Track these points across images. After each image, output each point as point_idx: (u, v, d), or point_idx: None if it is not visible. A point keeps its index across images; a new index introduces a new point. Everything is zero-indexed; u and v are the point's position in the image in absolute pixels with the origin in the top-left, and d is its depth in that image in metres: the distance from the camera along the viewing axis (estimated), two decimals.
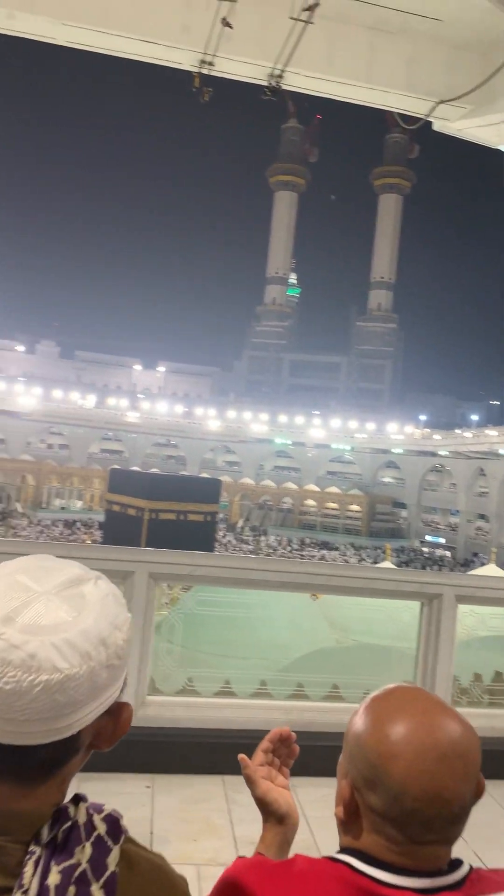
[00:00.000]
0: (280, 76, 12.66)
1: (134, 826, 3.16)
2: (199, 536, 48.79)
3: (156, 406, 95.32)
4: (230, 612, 5.20)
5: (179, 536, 48.12)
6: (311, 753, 4.48)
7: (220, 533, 65.39)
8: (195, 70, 12.59)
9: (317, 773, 4.44)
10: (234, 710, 4.48)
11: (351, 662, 9.75)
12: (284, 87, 13.12)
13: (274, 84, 12.79)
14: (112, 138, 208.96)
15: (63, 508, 72.86)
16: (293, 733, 1.45)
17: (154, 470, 78.73)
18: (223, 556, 4.52)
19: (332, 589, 4.68)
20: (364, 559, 59.08)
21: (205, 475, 78.93)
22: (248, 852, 1.42)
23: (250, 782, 1.44)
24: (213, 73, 12.77)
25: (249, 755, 1.54)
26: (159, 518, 48.41)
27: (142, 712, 4.34)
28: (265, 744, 1.52)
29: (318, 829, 3.70)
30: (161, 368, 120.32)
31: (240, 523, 76.77)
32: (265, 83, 12.85)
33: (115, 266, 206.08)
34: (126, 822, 1.01)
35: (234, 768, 4.22)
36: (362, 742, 1.10)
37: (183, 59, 12.54)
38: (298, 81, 13.15)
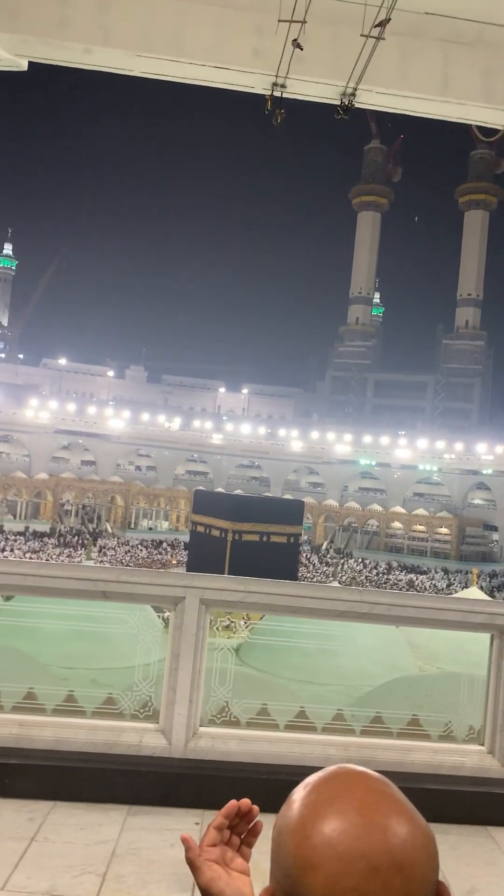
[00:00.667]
0: (353, 94, 12.52)
1: (178, 867, 3.01)
2: (282, 558, 48.65)
3: (240, 428, 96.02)
4: (310, 638, 5.01)
5: (262, 558, 48.19)
6: None
7: (304, 555, 64.89)
8: (267, 93, 12.62)
9: None
10: (289, 745, 4.27)
11: (433, 692, 9.32)
12: (358, 105, 12.97)
13: (347, 103, 12.66)
14: (197, 163, 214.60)
15: (150, 529, 74.22)
16: (255, 807, 1.24)
17: (238, 491, 79.21)
18: (275, 583, 4.34)
19: (392, 619, 4.42)
20: (453, 583, 57.19)
21: (288, 496, 78.75)
22: None
23: (193, 868, 1.20)
24: (287, 95, 12.78)
25: None
26: (243, 539, 48.54)
27: (193, 744, 4.19)
28: (219, 819, 1.26)
29: None
30: (245, 390, 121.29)
31: (324, 545, 75.96)
32: (338, 102, 12.74)
33: (199, 291, 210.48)
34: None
35: None
36: (282, 842, 0.87)
37: (255, 82, 12.61)
38: (372, 99, 12.96)
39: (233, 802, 1.25)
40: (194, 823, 3.83)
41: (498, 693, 4.18)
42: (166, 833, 3.70)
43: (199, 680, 4.26)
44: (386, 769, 4.28)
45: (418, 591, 51.53)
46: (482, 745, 4.40)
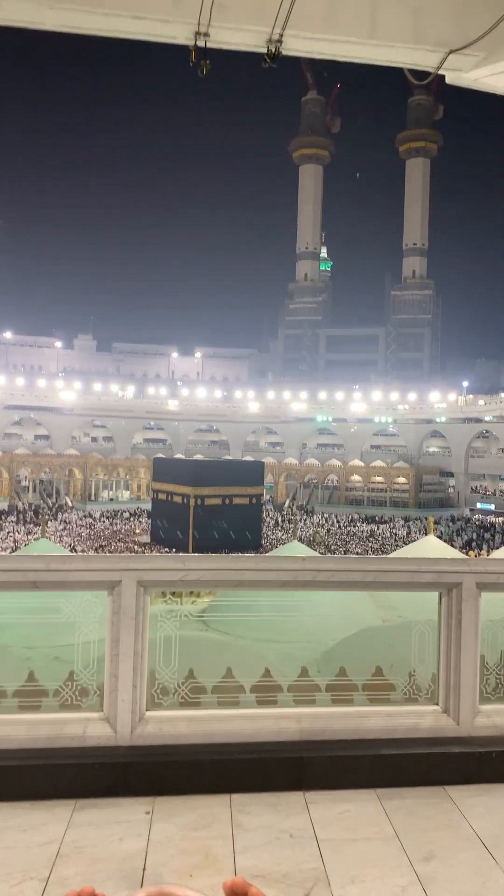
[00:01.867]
0: (280, 41, 12.07)
1: (127, 861, 2.84)
2: (245, 519, 48.95)
3: (195, 392, 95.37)
4: (273, 598, 4.91)
5: (226, 520, 48.42)
6: (327, 765, 4.16)
7: (267, 514, 65.29)
8: (190, 43, 12.09)
9: (333, 786, 4.11)
10: (242, 722, 4.15)
11: (396, 643, 9.38)
12: (285, 52, 12.52)
13: (274, 51, 12.21)
14: (133, 123, 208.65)
15: (111, 500, 73.73)
16: (252, 886, 1.03)
17: (198, 456, 79.03)
18: (215, 558, 4.18)
19: (337, 585, 4.31)
20: (412, 531, 58.25)
21: (248, 458, 78.91)
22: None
23: None
24: (211, 45, 12.26)
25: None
26: (205, 504, 48.62)
27: (140, 730, 4.04)
28: None
29: (331, 856, 3.36)
30: (198, 354, 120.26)
31: (286, 503, 76.54)
32: (265, 50, 12.29)
33: (143, 256, 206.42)
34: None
35: (243, 785, 3.89)
36: None
37: (176, 32, 12.04)
38: (299, 45, 12.52)
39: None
40: (144, 813, 3.70)
41: (449, 651, 4.11)
42: (114, 826, 3.56)
43: (142, 664, 4.10)
44: (343, 738, 4.19)
45: (380, 542, 52.36)
46: (437, 704, 4.35)
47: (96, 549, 44.66)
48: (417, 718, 4.26)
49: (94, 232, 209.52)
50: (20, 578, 3.97)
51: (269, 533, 55.93)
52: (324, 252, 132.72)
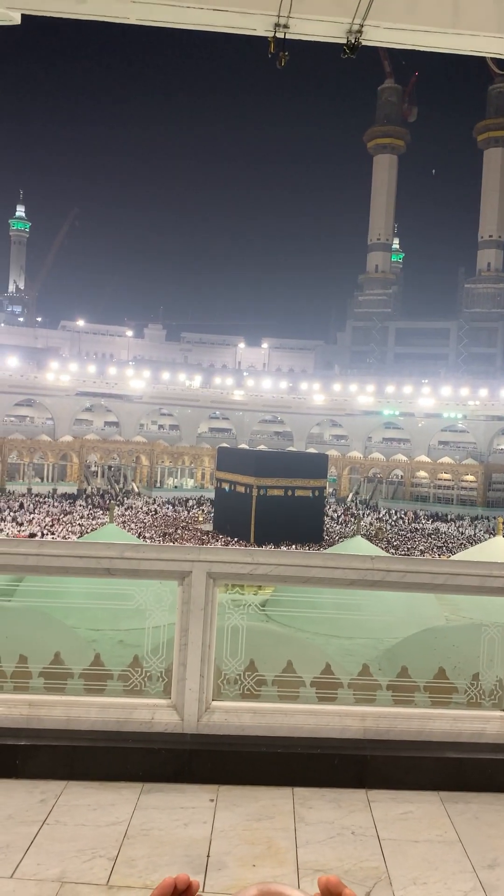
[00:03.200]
0: (360, 31, 11.90)
1: (191, 847, 2.92)
2: (307, 512, 48.93)
3: (261, 383, 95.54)
4: (334, 593, 4.93)
5: (288, 512, 48.50)
6: (390, 765, 4.14)
7: (329, 507, 65.03)
8: (270, 35, 12.04)
9: (395, 786, 4.10)
10: (305, 717, 4.18)
11: (460, 644, 9.24)
12: (365, 42, 12.34)
13: (353, 41, 12.04)
14: (210, 115, 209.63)
15: (176, 487, 74.79)
16: (195, 882, 1.09)
17: (261, 447, 79.28)
18: (284, 554, 4.21)
19: (406, 586, 4.28)
20: (479, 531, 57.02)
21: (312, 450, 78.67)
22: (311, 883, 1.10)
23: None
24: (290, 36, 12.19)
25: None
26: (268, 494, 48.84)
27: (206, 719, 4.12)
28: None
29: (393, 856, 3.35)
30: (264, 345, 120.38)
31: (349, 497, 76.03)
32: (344, 41, 12.14)
33: (216, 247, 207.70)
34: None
35: (305, 779, 3.92)
36: None
37: (257, 24, 12.02)
38: (380, 35, 12.33)
39: (168, 880, 1.11)
40: (209, 800, 3.77)
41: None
42: (179, 812, 3.64)
43: (210, 654, 4.18)
44: (406, 738, 4.17)
45: (444, 540, 51.46)
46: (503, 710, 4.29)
47: (161, 537, 45.41)
48: (483, 724, 4.20)
49: (166, 223, 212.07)
50: (94, 565, 4.10)
51: (330, 526, 55.73)
52: (396, 243, 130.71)
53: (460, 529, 58.08)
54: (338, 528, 56.07)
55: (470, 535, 54.39)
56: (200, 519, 55.86)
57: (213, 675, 4.26)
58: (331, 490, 74.37)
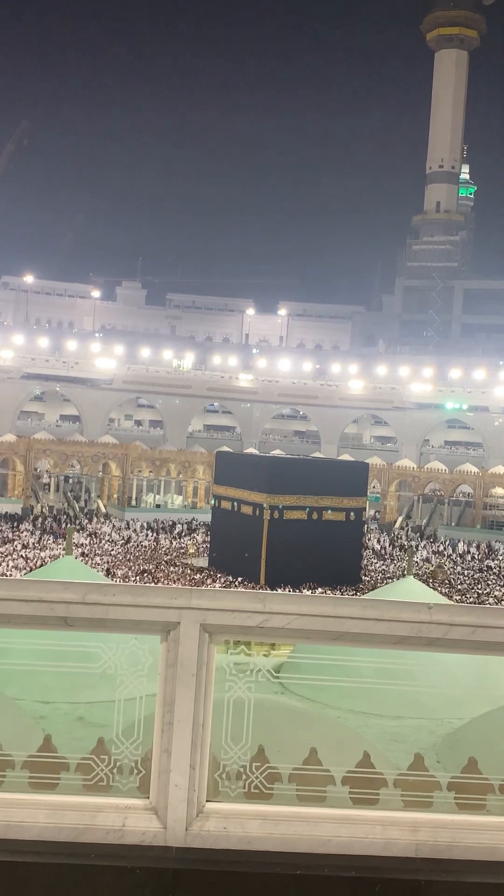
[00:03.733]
0: None
1: None
2: (340, 542, 48.87)
3: (276, 364, 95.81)
4: (375, 655, 4.95)
5: (313, 543, 48.42)
6: (454, 892, 4.13)
7: (371, 536, 65.03)
8: None
9: None
10: (335, 826, 4.18)
11: None
12: None
13: None
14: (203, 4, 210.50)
15: (158, 506, 74.99)
16: None
17: (277, 452, 79.48)
18: (307, 600, 4.22)
19: (475, 647, 4.27)
20: None
21: (346, 457, 78.74)
22: None
23: None
24: None
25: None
26: (285, 518, 48.88)
27: (198, 826, 4.13)
28: None
29: None
30: (282, 312, 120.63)
31: (397, 523, 76.00)
32: None
33: (216, 177, 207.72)
34: None
35: None
36: None
37: None
38: None
39: None
40: None
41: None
42: None
43: (204, 738, 4.18)
44: (475, 857, 4.16)
45: None
46: None
47: (138, 576, 45.48)
48: None
49: (148, 145, 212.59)
50: (45, 612, 4.11)
51: (371, 563, 55.63)
52: (465, 172, 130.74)
53: None
54: (382, 565, 55.98)
55: None
56: (192, 551, 55.92)
57: (209, 766, 4.27)
58: (372, 513, 74.33)
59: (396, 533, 71.85)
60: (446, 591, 45.79)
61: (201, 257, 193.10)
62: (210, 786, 4.24)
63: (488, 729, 11.34)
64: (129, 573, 45.79)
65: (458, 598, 43.37)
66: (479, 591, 47.44)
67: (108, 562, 48.78)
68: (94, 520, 67.39)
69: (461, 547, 65.69)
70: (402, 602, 4.37)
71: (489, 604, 41.17)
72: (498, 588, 49.43)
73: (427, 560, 58.23)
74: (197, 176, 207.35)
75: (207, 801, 4.20)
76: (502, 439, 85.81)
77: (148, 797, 4.16)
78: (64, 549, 20.66)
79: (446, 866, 4.08)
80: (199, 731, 4.14)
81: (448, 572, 53.23)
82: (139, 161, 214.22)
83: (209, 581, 46.17)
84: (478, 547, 65.66)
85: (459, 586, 48.84)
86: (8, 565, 45.50)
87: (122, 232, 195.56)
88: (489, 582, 51.54)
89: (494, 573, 55.41)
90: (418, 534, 72.18)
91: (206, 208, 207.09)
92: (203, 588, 4.37)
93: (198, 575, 47.86)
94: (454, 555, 62.54)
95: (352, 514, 50.95)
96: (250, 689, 4.45)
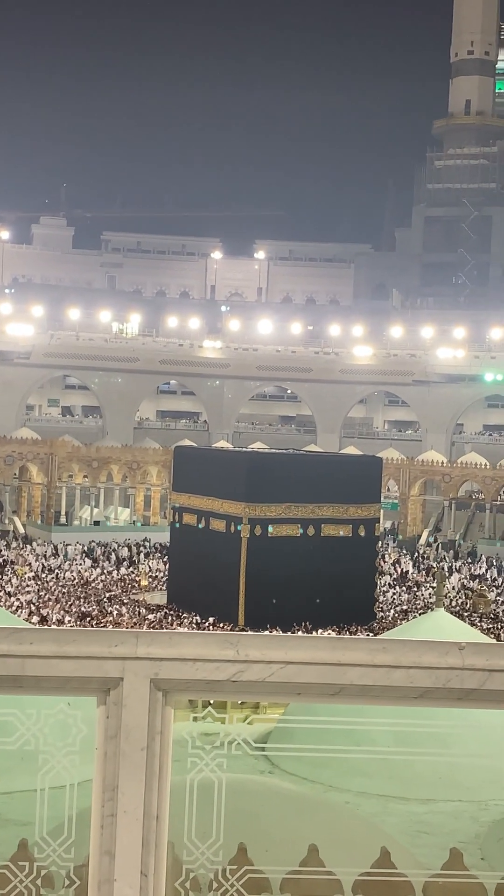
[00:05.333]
0: None
1: None
2: (346, 565, 48.88)
3: (254, 325, 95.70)
4: (392, 716, 5.01)
5: (309, 568, 48.38)
6: None
7: (387, 556, 65.13)
8: None
9: None
10: None
11: None
12: None
13: None
14: None
15: (98, 524, 74.81)
16: None
17: (257, 445, 79.35)
18: (299, 641, 4.25)
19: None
20: None
21: (352, 450, 78.74)
22: None
23: None
24: None
25: None
26: (270, 535, 48.83)
27: None
28: None
29: None
30: (261, 255, 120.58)
31: (423, 537, 76.22)
32: None
33: (171, 80, 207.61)
34: None
35: None
36: None
37: None
38: None
39: None
40: None
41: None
42: None
43: (160, 834, 4.19)
44: None
45: None
46: None
47: (76, 620, 45.36)
48: None
49: (76, 34, 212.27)
50: None
51: (389, 593, 55.75)
52: (503, 60, 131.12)
53: None
54: (403, 595, 56.15)
55: None
56: (144, 584, 55.90)
57: (168, 873, 4.29)
58: (389, 525, 74.44)
59: (422, 551, 72.04)
60: (489, 626, 46.04)
61: (149, 182, 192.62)
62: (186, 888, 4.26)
63: None
64: (64, 614, 45.69)
65: None
66: None
67: (31, 600, 48.62)
68: (10, 545, 67.21)
69: None
70: (423, 642, 4.38)
71: None
72: None
73: (463, 587, 58.44)
74: (143, 73, 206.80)
75: None
76: None
77: None
78: None
79: None
80: (151, 824, 4.15)
81: (492, 602, 53.48)
82: (61, 60, 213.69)
83: (169, 624, 46.18)
84: None
85: None
86: None
87: (39, 149, 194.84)
88: None
89: None
90: (451, 552, 72.42)
91: (157, 115, 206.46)
92: (153, 631, 4.38)
93: (153, 615, 47.80)
94: (500, 579, 62.82)
95: (361, 527, 50.96)
96: (222, 766, 4.47)
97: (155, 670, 4.16)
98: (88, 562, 62.04)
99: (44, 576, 56.77)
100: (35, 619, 43.64)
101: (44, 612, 46.33)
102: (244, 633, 4.51)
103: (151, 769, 4.16)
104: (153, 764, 4.17)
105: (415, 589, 58.02)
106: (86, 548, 65.86)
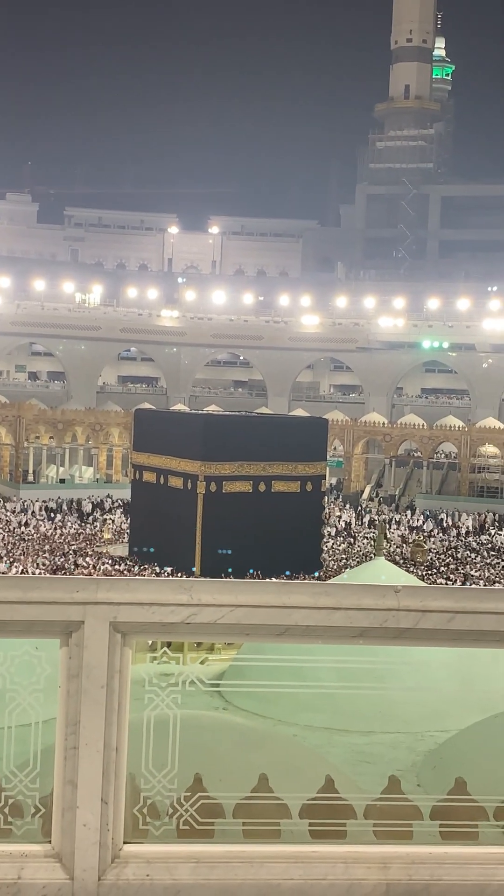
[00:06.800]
0: None
1: None
2: (294, 520, 49.02)
3: (209, 297, 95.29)
4: (340, 653, 5.01)
5: (261, 521, 48.47)
6: None
7: (333, 510, 65.32)
8: None
9: None
10: (286, 867, 4.23)
11: None
12: None
13: None
14: None
15: (62, 481, 74.55)
16: None
17: (212, 408, 79.19)
18: (248, 587, 4.24)
19: (453, 637, 4.34)
20: None
21: (300, 412, 78.78)
22: None
23: None
24: None
25: None
26: (224, 491, 48.86)
27: (113, 874, 4.15)
28: None
29: None
30: (214, 230, 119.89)
31: (366, 493, 76.49)
32: None
33: (128, 62, 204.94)
34: None
35: None
36: None
37: None
38: None
39: None
40: None
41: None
42: None
43: (119, 765, 4.20)
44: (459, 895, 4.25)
45: None
46: None
47: (39, 569, 45.19)
48: None
49: (34, 31, 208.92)
50: None
51: (335, 544, 55.95)
52: (440, 48, 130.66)
53: None
54: (347, 545, 56.36)
55: None
56: (108, 537, 55.77)
57: (127, 800, 4.29)
58: (334, 481, 74.61)
59: (365, 505, 72.29)
60: (425, 573, 46.33)
61: (109, 161, 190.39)
62: (129, 824, 4.25)
63: (479, 742, 11.58)
64: (29, 565, 45.46)
65: (441, 582, 43.87)
66: (468, 574, 48.04)
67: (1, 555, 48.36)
68: None
69: (444, 520, 66.45)
70: (362, 586, 4.41)
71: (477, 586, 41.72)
72: (491, 569, 50.09)
73: (403, 537, 58.76)
74: (102, 53, 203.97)
75: (125, 842, 4.21)
76: (493, 385, 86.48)
77: (50, 841, 4.16)
78: None
79: None
80: (111, 756, 4.14)
81: (429, 551, 53.77)
82: (23, 40, 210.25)
83: (131, 573, 46.09)
84: (462, 519, 66.43)
85: (443, 568, 49.38)
86: None
87: (4, 128, 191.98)
88: (480, 562, 52.20)
89: (487, 550, 56.15)
90: (392, 505, 72.76)
91: (116, 96, 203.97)
92: (112, 577, 4.36)
93: (118, 566, 47.71)
94: (436, 529, 63.18)
95: (308, 483, 51.06)
96: (177, 702, 4.46)
97: (114, 614, 4.15)
98: (55, 517, 61.82)
99: (14, 529, 56.51)
100: (10, 570, 43.45)
101: (17, 565, 46.07)
102: (198, 579, 4.48)
103: (111, 705, 4.16)
104: (112, 700, 4.17)
105: (358, 540, 58.26)
106: (51, 504, 65.62)
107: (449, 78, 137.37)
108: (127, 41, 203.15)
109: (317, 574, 46.64)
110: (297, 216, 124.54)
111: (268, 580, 4.45)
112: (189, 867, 4.22)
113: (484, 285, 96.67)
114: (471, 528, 64.38)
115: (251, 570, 44.16)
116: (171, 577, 37.78)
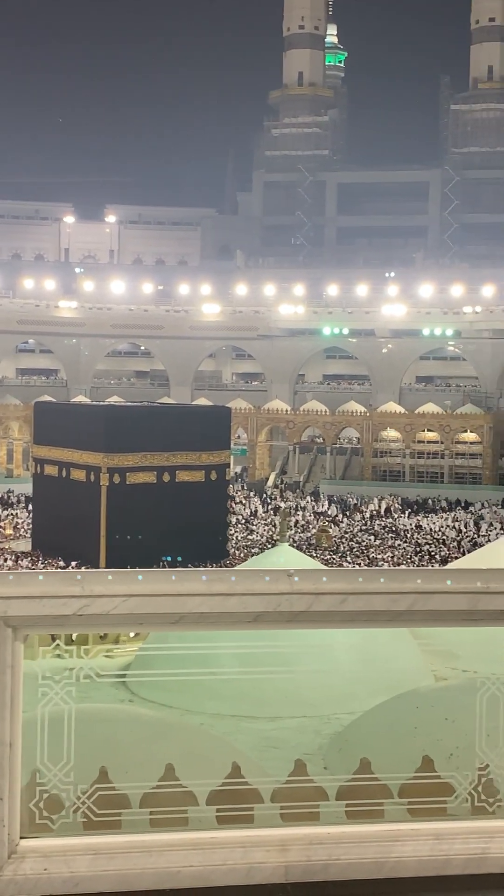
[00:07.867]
0: None
1: None
2: (199, 508, 49.07)
3: (107, 286, 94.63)
4: (247, 639, 5.01)
5: (165, 511, 48.39)
6: None
7: (237, 498, 65.43)
8: None
9: None
10: (186, 854, 4.24)
11: (458, 715, 9.60)
12: None
13: None
14: None
15: None
16: None
17: (113, 399, 78.76)
18: (138, 576, 4.23)
19: (350, 618, 4.38)
20: (489, 526, 58.92)
21: (203, 401, 78.75)
22: None
23: None
24: None
25: None
26: (128, 482, 48.69)
27: (11, 870, 4.12)
28: None
29: None
30: (111, 218, 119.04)
31: (270, 480, 76.72)
32: None
33: (16, 46, 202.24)
34: None
35: None
36: None
37: None
38: None
39: None
40: None
41: None
42: None
43: (13, 759, 4.16)
44: (357, 876, 4.29)
45: (432, 544, 52.82)
46: None
47: None
48: (486, 842, 4.36)
49: None
50: None
51: (239, 532, 56.09)
52: (332, 35, 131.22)
53: (457, 525, 59.70)
54: (252, 533, 56.54)
55: (472, 534, 56.02)
56: (9, 532, 55.21)
57: (23, 795, 4.25)
58: (238, 469, 74.71)
59: (269, 492, 72.53)
60: (329, 557, 46.72)
61: (2, 150, 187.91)
62: (26, 819, 4.22)
63: (383, 723, 11.70)
64: None
65: (348, 566, 44.19)
66: (373, 557, 48.52)
67: None
68: None
69: (349, 505, 66.97)
70: (256, 571, 4.42)
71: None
72: (394, 551, 50.64)
73: (308, 524, 59.11)
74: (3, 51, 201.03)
75: (22, 837, 4.18)
76: (392, 369, 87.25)
77: None
78: None
79: (321, 890, 4.18)
80: (5, 751, 4.10)
81: (333, 536, 54.17)
82: None
83: (32, 567, 45.68)
84: (366, 504, 66.96)
85: (347, 552, 49.80)
86: None
87: None
88: (384, 546, 52.73)
89: (390, 534, 56.71)
90: (296, 492, 73.10)
91: (8, 85, 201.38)
92: (1, 572, 4.31)
93: (22, 561, 47.29)
94: (340, 515, 63.66)
95: (213, 472, 51.17)
96: (71, 695, 4.43)
97: (4, 608, 4.11)
98: None
99: None
100: None
101: None
102: (89, 570, 4.47)
103: (3, 700, 4.12)
104: (4, 696, 4.12)
105: (263, 527, 58.46)
106: None
107: (342, 65, 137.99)
108: (20, 31, 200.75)
109: (222, 563, 46.72)
110: (195, 204, 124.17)
111: (160, 569, 4.44)
112: (87, 859, 4.20)
113: (382, 271, 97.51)
114: (374, 511, 64.97)
115: (167, 558, 44.00)
116: (62, 570, 37.56)
